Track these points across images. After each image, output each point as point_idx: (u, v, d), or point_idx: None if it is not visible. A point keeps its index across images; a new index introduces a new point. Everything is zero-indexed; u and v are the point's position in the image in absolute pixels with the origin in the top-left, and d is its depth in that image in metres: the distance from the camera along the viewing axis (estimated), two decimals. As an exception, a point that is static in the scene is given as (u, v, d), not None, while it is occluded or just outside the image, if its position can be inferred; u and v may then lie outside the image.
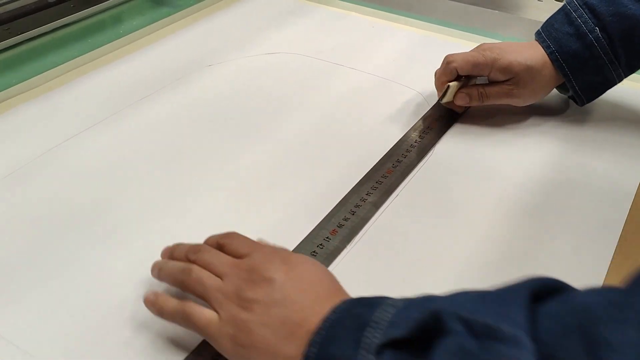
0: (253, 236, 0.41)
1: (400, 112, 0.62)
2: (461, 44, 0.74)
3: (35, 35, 0.75)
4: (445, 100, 0.59)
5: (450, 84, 0.58)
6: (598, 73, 0.57)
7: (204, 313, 0.37)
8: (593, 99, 0.60)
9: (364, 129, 0.60)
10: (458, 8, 0.85)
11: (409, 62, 0.71)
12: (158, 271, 0.41)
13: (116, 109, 0.62)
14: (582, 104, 0.60)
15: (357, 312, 0.33)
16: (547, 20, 0.60)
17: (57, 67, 0.69)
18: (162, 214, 0.50)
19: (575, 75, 0.57)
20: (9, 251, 0.46)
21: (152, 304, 0.39)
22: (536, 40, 0.59)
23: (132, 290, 0.42)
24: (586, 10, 0.56)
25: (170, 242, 0.42)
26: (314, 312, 0.35)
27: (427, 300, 0.32)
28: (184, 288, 0.39)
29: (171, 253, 0.41)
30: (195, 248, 0.40)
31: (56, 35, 0.76)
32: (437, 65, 0.60)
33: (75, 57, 0.71)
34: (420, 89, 0.66)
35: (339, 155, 0.57)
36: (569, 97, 0.61)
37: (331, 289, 0.37)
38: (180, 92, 0.65)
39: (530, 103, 0.60)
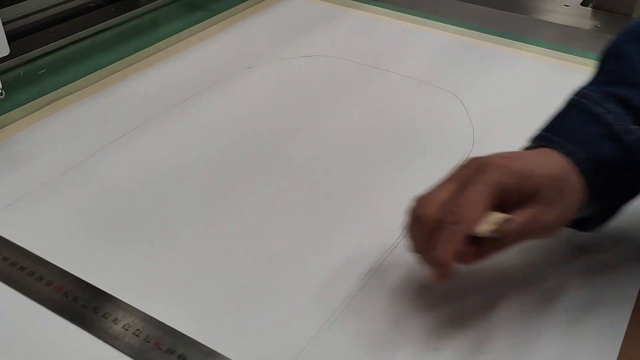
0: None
1: (438, 114, 0.64)
2: (496, 48, 0.76)
3: (79, 38, 0.77)
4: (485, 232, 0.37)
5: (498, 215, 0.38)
6: (634, 188, 0.42)
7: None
8: (607, 224, 0.44)
9: (404, 127, 0.62)
10: (485, 12, 0.87)
11: (444, 65, 0.73)
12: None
13: (159, 111, 0.64)
14: (593, 228, 0.43)
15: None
16: (552, 120, 0.43)
17: (102, 70, 0.72)
18: (216, 213, 0.52)
19: (611, 190, 0.41)
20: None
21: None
22: (544, 146, 0.41)
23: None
24: (616, 103, 0.41)
25: (226, 240, 0.44)
26: None
27: None
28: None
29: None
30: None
31: (98, 39, 0.79)
32: (473, 68, 0.60)
33: (118, 60, 0.74)
34: (455, 90, 0.68)
35: (382, 154, 0.59)
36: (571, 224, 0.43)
37: None
38: (221, 94, 0.68)
39: (561, 228, 0.40)
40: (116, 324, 0.41)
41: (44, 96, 0.66)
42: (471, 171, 0.38)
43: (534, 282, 0.45)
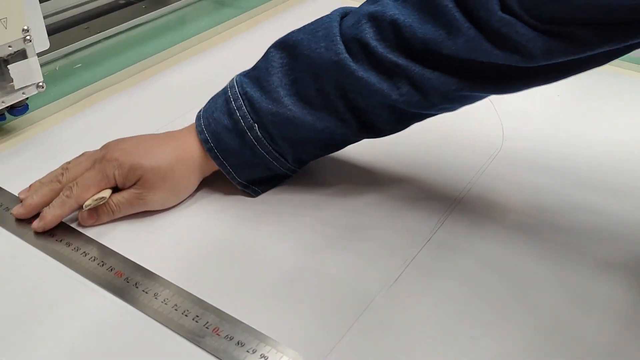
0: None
1: (466, 112, 0.64)
2: None
3: (112, 34, 0.78)
4: (88, 206, 0.49)
5: (104, 193, 0.49)
6: (265, 170, 0.52)
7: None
8: (268, 190, 0.53)
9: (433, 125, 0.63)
10: None
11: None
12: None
13: (191, 107, 0.64)
14: (256, 195, 0.53)
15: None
16: (209, 101, 0.52)
17: (134, 65, 0.73)
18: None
19: (240, 173, 0.51)
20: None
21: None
22: (195, 126, 0.52)
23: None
24: (246, 102, 0.49)
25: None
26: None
27: None
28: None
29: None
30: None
31: (130, 35, 0.80)
32: None
33: (149, 56, 0.75)
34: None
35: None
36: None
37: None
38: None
39: (171, 205, 0.51)
40: (197, 321, 0.42)
41: (80, 90, 0.67)
42: (99, 156, 0.50)
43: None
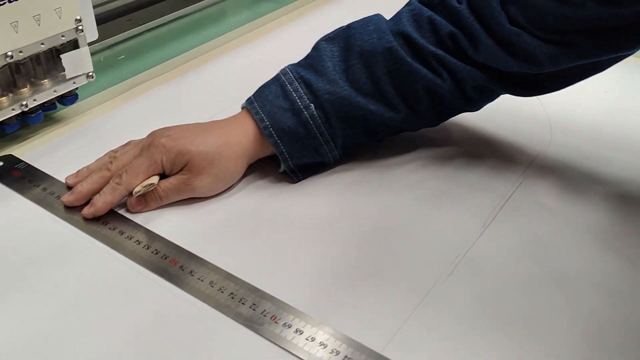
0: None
1: (514, 108, 0.64)
2: None
3: (154, 26, 0.79)
4: (137, 193, 0.49)
5: (153, 179, 0.50)
6: (314, 154, 0.53)
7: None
8: (308, 177, 0.54)
9: (481, 122, 0.62)
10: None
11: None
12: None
13: (234, 100, 0.64)
14: (298, 180, 0.54)
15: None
16: (259, 88, 0.54)
17: (177, 57, 0.73)
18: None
19: (291, 154, 0.52)
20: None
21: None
22: (246, 109, 0.53)
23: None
24: (302, 84, 0.52)
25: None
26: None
27: None
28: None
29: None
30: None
31: (172, 27, 0.81)
32: None
33: (191, 49, 0.75)
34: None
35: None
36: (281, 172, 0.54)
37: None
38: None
39: (218, 191, 0.52)
40: (243, 303, 0.43)
41: (125, 81, 0.68)
42: (146, 143, 0.51)
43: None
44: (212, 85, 0.69)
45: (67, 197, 0.50)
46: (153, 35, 0.78)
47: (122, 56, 0.73)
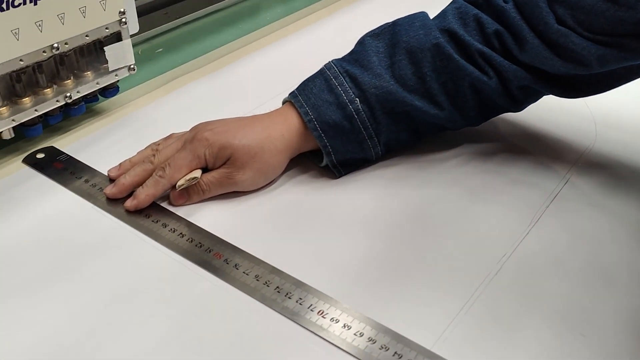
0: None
1: (558, 108, 0.63)
2: None
3: (191, 19, 0.79)
4: (181, 186, 0.49)
5: (196, 173, 0.49)
6: (358, 149, 0.52)
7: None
8: (349, 172, 0.54)
9: (525, 121, 0.62)
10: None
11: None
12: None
13: (274, 94, 0.64)
14: (340, 175, 0.53)
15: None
16: (303, 82, 0.53)
17: (214, 51, 0.73)
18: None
19: (335, 149, 0.51)
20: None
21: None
22: (290, 102, 0.53)
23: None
24: (347, 78, 0.51)
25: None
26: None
27: None
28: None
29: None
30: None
31: (208, 21, 0.80)
32: None
33: (226, 43, 0.75)
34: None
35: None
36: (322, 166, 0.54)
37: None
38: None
39: (260, 185, 0.52)
40: (289, 297, 0.42)
41: (163, 74, 0.68)
42: (189, 137, 0.51)
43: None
44: (249, 79, 0.69)
45: (110, 189, 0.50)
46: (189, 29, 0.78)
47: (160, 49, 0.73)
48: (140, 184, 0.50)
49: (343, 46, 0.56)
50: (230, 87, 0.67)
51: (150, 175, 0.50)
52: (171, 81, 0.68)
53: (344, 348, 0.39)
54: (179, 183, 0.49)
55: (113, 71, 0.57)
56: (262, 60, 0.73)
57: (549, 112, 0.61)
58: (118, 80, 0.59)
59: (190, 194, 0.50)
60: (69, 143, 0.57)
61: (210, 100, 0.65)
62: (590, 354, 0.39)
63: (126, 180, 0.50)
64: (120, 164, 0.53)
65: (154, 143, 0.54)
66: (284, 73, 0.68)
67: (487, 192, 0.52)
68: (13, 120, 0.51)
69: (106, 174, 0.53)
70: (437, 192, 0.52)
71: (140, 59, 0.70)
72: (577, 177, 0.54)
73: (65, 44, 0.52)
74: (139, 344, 0.39)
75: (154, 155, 0.51)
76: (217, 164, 0.50)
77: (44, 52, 0.51)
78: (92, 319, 0.41)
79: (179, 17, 0.78)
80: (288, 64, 0.71)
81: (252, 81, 0.68)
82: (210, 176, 0.50)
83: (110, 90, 0.59)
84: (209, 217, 0.49)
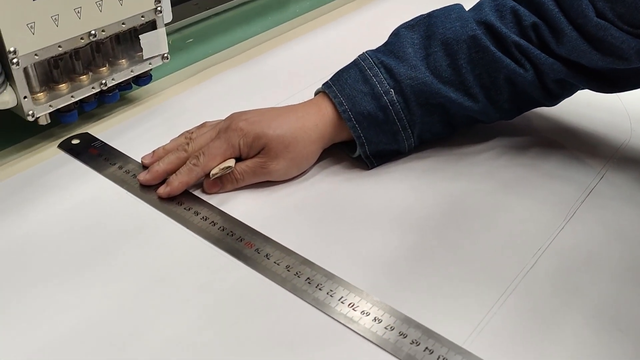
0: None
1: (592, 103, 0.62)
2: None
3: (220, 11, 0.79)
4: (215, 175, 0.49)
5: (230, 162, 0.50)
6: (391, 140, 0.52)
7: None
8: (381, 164, 0.53)
9: (558, 117, 0.61)
10: None
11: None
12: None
13: (304, 86, 0.65)
14: (372, 167, 0.53)
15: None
16: (337, 72, 0.53)
17: (245, 41, 0.74)
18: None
19: (369, 140, 0.51)
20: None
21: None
22: (324, 92, 0.53)
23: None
24: (382, 69, 0.51)
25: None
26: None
27: None
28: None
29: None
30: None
31: (238, 12, 0.80)
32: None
33: (256, 34, 0.75)
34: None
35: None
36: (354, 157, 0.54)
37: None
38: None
39: (292, 175, 0.52)
40: (320, 289, 0.43)
41: (195, 63, 0.69)
42: (224, 126, 0.51)
43: None
44: (279, 71, 0.69)
45: (144, 176, 0.51)
46: (219, 20, 0.78)
47: (191, 39, 0.73)
48: (173, 171, 0.51)
49: (371, 40, 0.56)
50: (261, 78, 0.68)
51: (184, 163, 0.50)
52: (202, 71, 0.68)
53: (374, 341, 0.39)
54: (213, 172, 0.49)
55: (147, 59, 0.58)
56: (292, 52, 0.73)
57: (583, 108, 0.60)
58: (151, 69, 0.59)
59: (224, 182, 0.51)
60: (103, 130, 0.58)
61: (241, 90, 0.65)
62: (628, 349, 0.38)
63: (160, 167, 0.51)
64: (153, 152, 0.53)
65: (187, 131, 0.54)
66: (313, 65, 0.68)
67: (521, 185, 0.51)
68: (50, 105, 0.52)
69: (139, 161, 0.53)
70: (471, 185, 0.52)
71: (171, 49, 0.70)
72: (613, 173, 0.53)
73: (102, 31, 0.52)
74: (174, 328, 0.39)
75: (187, 144, 0.52)
76: (251, 153, 0.50)
77: (81, 38, 0.51)
78: (128, 303, 0.41)
79: (209, 8, 0.78)
80: (317, 57, 0.71)
81: (282, 72, 0.69)
82: (244, 165, 0.50)
83: (143, 79, 0.60)
84: (241, 206, 0.49)
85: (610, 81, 0.52)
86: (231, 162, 0.50)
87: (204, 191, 0.51)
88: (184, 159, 0.51)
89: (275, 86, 0.66)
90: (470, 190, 0.51)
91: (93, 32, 0.52)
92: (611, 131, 0.58)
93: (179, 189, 0.50)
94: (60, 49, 0.50)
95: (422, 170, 0.53)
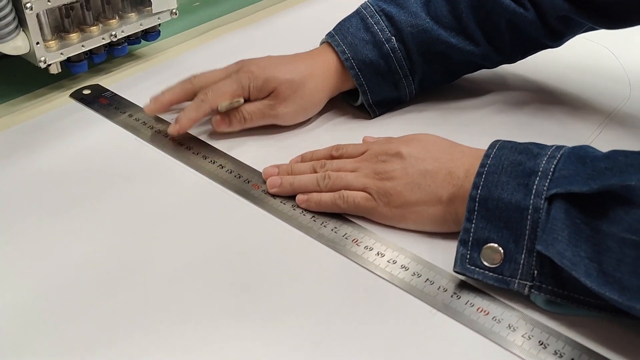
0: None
1: (592, 67, 0.63)
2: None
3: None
4: (223, 108, 0.50)
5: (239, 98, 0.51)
6: (392, 88, 0.53)
7: (359, 193, 0.43)
8: (383, 114, 0.55)
9: (557, 81, 0.62)
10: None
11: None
12: (290, 186, 0.45)
13: (311, 46, 0.66)
14: (374, 116, 0.55)
15: (517, 160, 0.38)
16: (340, 22, 0.54)
17: (251, 6, 0.75)
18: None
19: (371, 89, 0.53)
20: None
21: (307, 201, 0.45)
22: (327, 42, 0.54)
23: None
24: (383, 17, 0.52)
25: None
26: (453, 160, 0.42)
27: (607, 169, 0.36)
28: (326, 190, 0.44)
29: (291, 170, 0.47)
30: (319, 163, 0.46)
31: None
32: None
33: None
34: (610, 44, 0.66)
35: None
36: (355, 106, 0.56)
37: (453, 145, 0.44)
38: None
39: (299, 120, 0.53)
40: (325, 226, 0.44)
41: (201, 24, 0.70)
42: (234, 69, 0.52)
43: None
44: (285, 32, 0.70)
45: (149, 106, 0.52)
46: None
47: (197, 3, 0.74)
48: (178, 102, 0.52)
49: None
50: (267, 38, 0.69)
51: (189, 96, 0.51)
52: (209, 31, 0.69)
53: (378, 273, 0.40)
54: (222, 105, 0.50)
55: (156, 14, 0.59)
56: (298, 15, 0.74)
57: (581, 69, 0.61)
58: (160, 24, 0.60)
59: (232, 120, 0.51)
60: (112, 83, 0.59)
61: (248, 49, 0.66)
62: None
63: (164, 97, 0.52)
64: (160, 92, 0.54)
65: (192, 75, 0.54)
66: (320, 27, 0.69)
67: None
68: (61, 54, 0.53)
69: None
70: (472, 139, 0.51)
71: (179, 11, 0.72)
72: (609, 132, 0.54)
73: (114, -18, 0.54)
74: (185, 258, 0.41)
75: (194, 78, 0.52)
76: (259, 96, 0.51)
77: (93, -12, 0.52)
78: (139, 235, 0.42)
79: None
80: (323, 19, 0.71)
81: (289, 33, 0.70)
82: (253, 106, 0.51)
83: (152, 34, 0.61)
84: (248, 152, 0.51)
85: (615, 14, 0.50)
86: (240, 99, 0.51)
87: (212, 136, 0.52)
88: (189, 91, 0.52)
89: (282, 47, 0.66)
90: (473, 144, 0.52)
91: (104, -18, 0.53)
92: (609, 93, 0.59)
93: (188, 125, 0.50)
94: (72, -4, 0.51)
95: (424, 124, 0.54)
